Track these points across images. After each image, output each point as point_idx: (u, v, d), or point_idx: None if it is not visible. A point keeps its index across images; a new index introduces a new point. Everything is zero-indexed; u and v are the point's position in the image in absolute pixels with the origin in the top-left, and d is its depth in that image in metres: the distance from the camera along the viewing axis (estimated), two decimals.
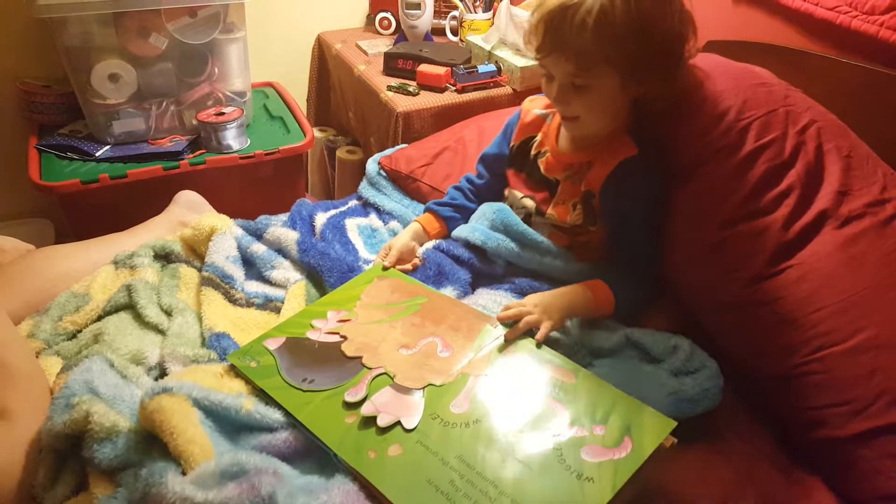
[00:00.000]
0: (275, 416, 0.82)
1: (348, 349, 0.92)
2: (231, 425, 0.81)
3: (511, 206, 1.17)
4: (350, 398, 0.83)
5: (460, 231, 1.16)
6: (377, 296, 1.03)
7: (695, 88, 1.05)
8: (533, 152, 1.15)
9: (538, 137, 1.15)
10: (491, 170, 1.24)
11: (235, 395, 0.82)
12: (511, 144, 1.19)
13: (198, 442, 0.73)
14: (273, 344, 0.93)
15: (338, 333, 0.95)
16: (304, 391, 0.85)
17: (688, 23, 0.97)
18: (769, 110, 1.01)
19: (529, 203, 1.15)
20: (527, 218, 1.15)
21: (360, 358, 0.90)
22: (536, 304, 0.97)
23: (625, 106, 1.03)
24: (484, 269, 1.12)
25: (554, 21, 0.93)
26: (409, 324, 0.96)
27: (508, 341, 0.93)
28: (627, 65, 0.94)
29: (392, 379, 0.86)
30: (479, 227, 1.14)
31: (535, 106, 1.17)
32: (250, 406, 0.81)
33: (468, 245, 1.14)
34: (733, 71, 1.09)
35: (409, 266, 1.13)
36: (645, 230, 1.06)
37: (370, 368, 0.88)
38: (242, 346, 0.94)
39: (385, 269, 1.10)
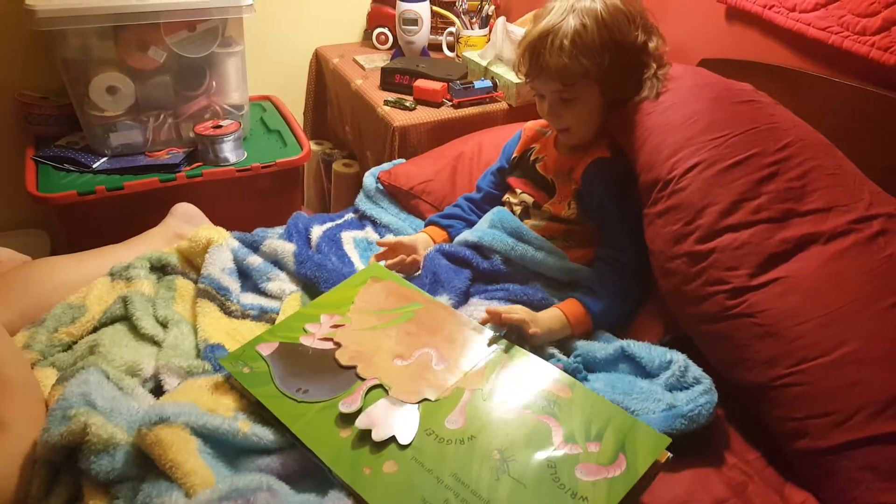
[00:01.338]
0: (272, 436, 0.81)
1: (342, 357, 0.91)
2: (230, 449, 0.80)
3: (510, 203, 1.28)
4: (345, 409, 0.83)
5: (460, 236, 1.22)
6: (371, 300, 1.02)
7: (678, 102, 1.09)
8: (532, 158, 1.27)
9: (537, 146, 1.28)
10: (493, 184, 1.34)
11: (232, 419, 0.81)
12: (513, 156, 1.31)
13: (198, 472, 0.73)
14: (266, 349, 0.93)
15: (331, 340, 0.94)
16: (298, 402, 0.84)
17: (650, 31, 1.12)
18: (751, 127, 1.02)
19: (528, 198, 1.24)
20: (525, 211, 1.25)
21: (355, 368, 0.89)
22: (524, 311, 1.00)
23: (604, 108, 1.15)
24: (482, 265, 1.15)
25: (536, 47, 1.08)
26: (403, 332, 0.96)
27: (503, 351, 0.93)
28: (603, 75, 1.08)
29: (387, 392, 0.86)
30: (478, 227, 1.21)
31: (535, 125, 1.32)
32: (247, 429, 0.80)
33: (467, 245, 1.18)
34: (720, 87, 1.11)
35: (399, 259, 1.17)
36: (622, 229, 1.11)
37: (364, 379, 0.88)
38: (235, 350, 0.93)
39: (380, 255, 1.17)
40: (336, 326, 0.97)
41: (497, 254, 1.16)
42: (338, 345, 0.93)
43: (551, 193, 1.22)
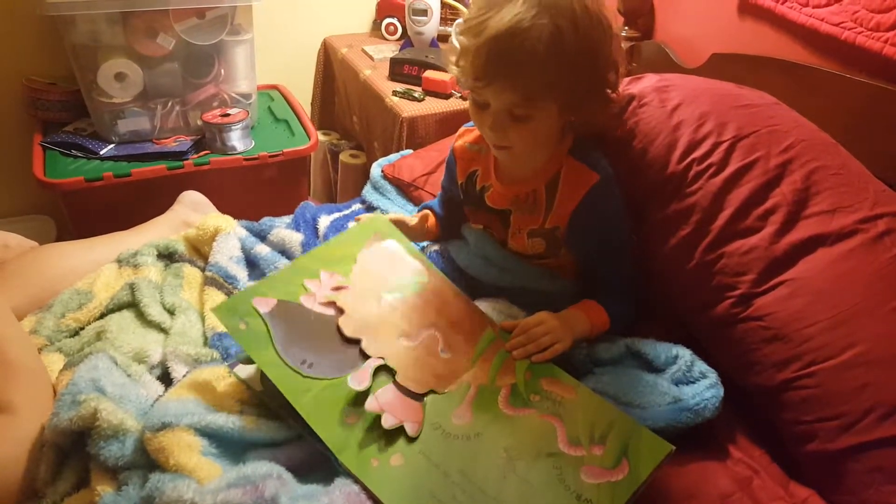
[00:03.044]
0: (277, 430, 0.81)
1: (346, 327, 0.89)
2: (236, 446, 0.80)
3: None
4: (354, 385, 0.82)
5: (450, 245, 1.16)
6: (374, 263, 0.98)
7: (685, 101, 1.05)
8: (478, 187, 1.10)
9: (479, 170, 1.10)
10: (447, 207, 1.22)
11: (236, 416, 0.81)
12: (460, 183, 1.14)
13: (204, 468, 0.73)
14: (263, 305, 0.88)
15: (334, 304, 0.91)
16: (303, 376, 0.83)
17: (619, 50, 0.94)
18: (752, 131, 1.01)
19: (493, 234, 1.13)
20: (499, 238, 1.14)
21: (360, 342, 0.88)
22: (549, 322, 0.95)
23: (557, 132, 0.98)
24: (474, 286, 1.11)
25: (500, 47, 0.84)
26: (409, 306, 0.94)
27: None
28: (569, 93, 0.89)
29: (394, 375, 0.86)
30: (462, 249, 1.14)
31: (466, 141, 1.12)
32: (251, 424, 0.80)
33: (457, 267, 1.13)
34: (715, 93, 1.09)
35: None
36: (623, 251, 1.05)
37: (370, 357, 0.87)
38: (228, 300, 0.89)
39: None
40: (337, 288, 0.94)
41: (485, 285, 1.10)
42: (340, 311, 0.91)
43: (506, 223, 1.08)
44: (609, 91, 0.96)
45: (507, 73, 0.86)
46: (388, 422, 0.80)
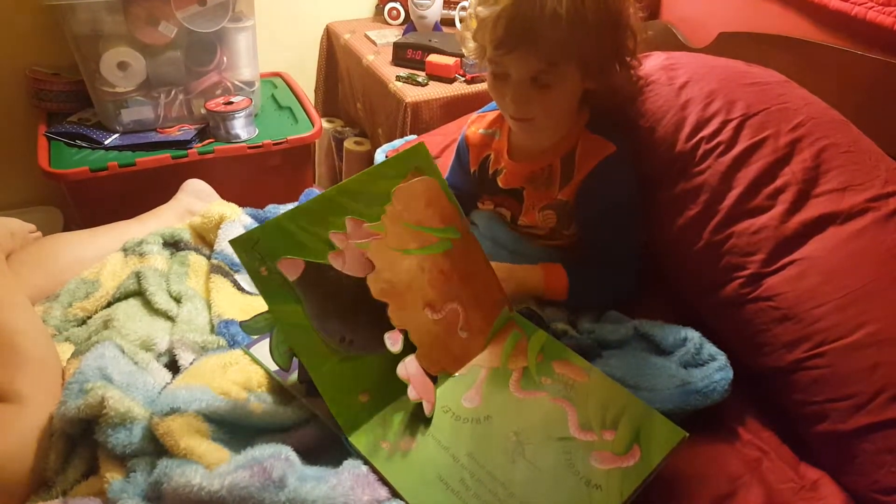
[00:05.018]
0: (286, 414, 0.81)
1: (374, 285, 0.83)
2: (244, 432, 0.80)
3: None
4: (390, 345, 0.81)
5: None
6: (411, 205, 0.88)
7: (693, 79, 1.05)
8: (491, 171, 1.12)
9: (492, 154, 1.12)
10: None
11: (244, 401, 0.81)
12: (472, 171, 1.15)
13: (213, 453, 0.73)
14: (291, 270, 0.79)
15: (364, 255, 0.84)
16: (332, 349, 0.79)
17: (636, 17, 0.96)
18: (761, 109, 1.00)
19: (505, 212, 1.13)
20: (512, 219, 1.15)
21: (387, 306, 0.84)
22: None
23: (576, 103, 1.00)
24: None
25: (521, 13, 0.86)
26: (437, 270, 0.88)
27: (522, 330, 0.92)
28: (592, 60, 0.91)
29: (414, 349, 0.84)
30: (473, 233, 1.13)
31: (478, 127, 1.14)
32: (259, 410, 0.80)
33: None
34: (723, 71, 1.08)
35: None
36: (628, 226, 1.04)
37: (394, 327, 0.84)
38: (250, 232, 0.78)
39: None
40: (365, 236, 0.85)
41: None
42: (370, 264, 0.84)
43: (520, 201, 1.09)
44: (628, 58, 0.97)
45: (529, 37, 0.87)
46: (412, 394, 0.80)
